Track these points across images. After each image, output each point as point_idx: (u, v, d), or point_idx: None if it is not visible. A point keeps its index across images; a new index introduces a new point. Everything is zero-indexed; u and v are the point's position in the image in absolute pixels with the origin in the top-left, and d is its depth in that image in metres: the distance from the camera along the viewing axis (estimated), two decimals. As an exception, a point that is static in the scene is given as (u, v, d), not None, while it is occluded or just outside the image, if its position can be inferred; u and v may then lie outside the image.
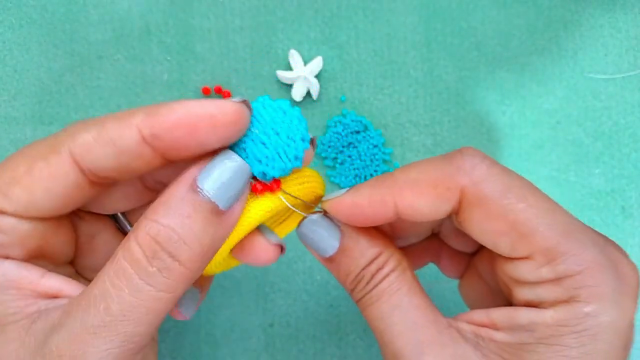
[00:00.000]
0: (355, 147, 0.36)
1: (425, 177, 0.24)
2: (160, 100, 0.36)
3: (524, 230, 0.22)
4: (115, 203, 0.27)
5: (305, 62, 0.36)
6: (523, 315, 0.23)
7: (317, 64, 0.36)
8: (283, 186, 0.24)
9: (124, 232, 0.29)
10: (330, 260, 0.26)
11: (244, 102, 0.23)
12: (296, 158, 0.24)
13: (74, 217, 0.27)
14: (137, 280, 0.21)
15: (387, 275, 0.25)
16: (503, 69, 0.37)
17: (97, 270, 0.28)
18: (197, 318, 0.36)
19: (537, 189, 0.24)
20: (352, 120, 0.36)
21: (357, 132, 0.36)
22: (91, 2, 0.36)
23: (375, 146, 0.36)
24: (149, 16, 0.36)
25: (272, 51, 0.36)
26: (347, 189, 0.25)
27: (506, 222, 0.23)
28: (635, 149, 0.37)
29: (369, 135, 0.36)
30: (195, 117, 0.22)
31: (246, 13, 0.36)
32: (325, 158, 0.37)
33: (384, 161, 0.37)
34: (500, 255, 0.24)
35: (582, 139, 0.37)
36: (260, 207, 0.24)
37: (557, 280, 0.22)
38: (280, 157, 0.24)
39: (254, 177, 0.24)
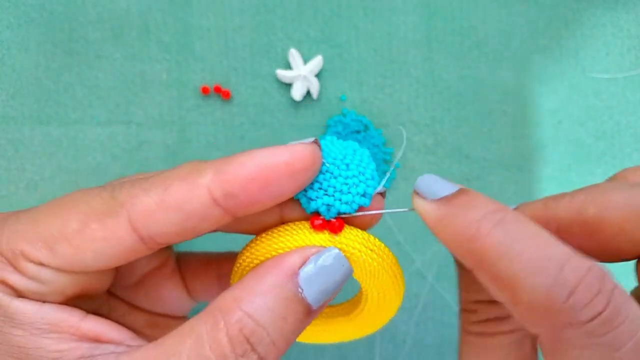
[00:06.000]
0: (355, 146, 0.36)
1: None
2: (159, 99, 0.36)
3: None
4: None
5: (305, 61, 0.36)
6: None
7: (317, 63, 0.36)
8: (344, 236, 0.23)
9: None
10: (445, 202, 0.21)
11: (315, 141, 0.22)
12: (365, 194, 0.23)
13: None
14: None
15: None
16: (504, 68, 0.37)
17: (130, 287, 0.27)
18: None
19: None
20: (353, 120, 0.36)
21: (358, 131, 0.36)
22: (90, 1, 0.35)
23: (376, 146, 0.36)
24: (148, 15, 0.36)
25: (272, 50, 0.36)
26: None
27: None
28: (637, 148, 0.37)
29: (369, 135, 0.36)
30: (270, 168, 0.21)
31: (246, 12, 0.36)
32: (326, 158, 0.37)
33: (385, 161, 0.37)
34: None
35: (583, 138, 0.37)
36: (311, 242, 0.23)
37: None
38: (349, 190, 0.23)
39: (315, 212, 0.23)
